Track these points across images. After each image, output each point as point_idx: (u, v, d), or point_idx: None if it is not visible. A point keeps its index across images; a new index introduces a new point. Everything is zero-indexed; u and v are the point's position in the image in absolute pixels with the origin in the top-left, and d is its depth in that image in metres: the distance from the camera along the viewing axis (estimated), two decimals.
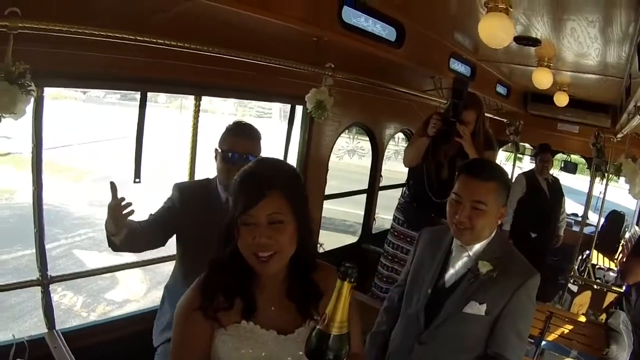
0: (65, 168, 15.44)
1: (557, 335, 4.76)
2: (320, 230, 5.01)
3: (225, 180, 2.91)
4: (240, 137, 2.92)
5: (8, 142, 15.80)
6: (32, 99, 2.39)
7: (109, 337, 3.11)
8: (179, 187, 3.04)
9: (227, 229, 1.67)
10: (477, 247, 2.41)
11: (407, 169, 4.40)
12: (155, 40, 2.80)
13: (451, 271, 2.46)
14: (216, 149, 2.96)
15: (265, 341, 1.65)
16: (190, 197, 3.00)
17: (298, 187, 1.72)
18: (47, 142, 3.09)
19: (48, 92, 2.99)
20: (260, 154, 2.93)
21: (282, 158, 4.25)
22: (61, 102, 20.74)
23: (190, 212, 2.95)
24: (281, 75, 3.83)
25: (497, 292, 2.33)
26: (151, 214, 2.99)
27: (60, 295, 6.58)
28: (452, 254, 2.48)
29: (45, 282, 3.26)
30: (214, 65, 3.42)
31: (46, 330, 3.26)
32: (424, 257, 2.59)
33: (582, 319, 4.99)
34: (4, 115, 2.26)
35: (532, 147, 9.74)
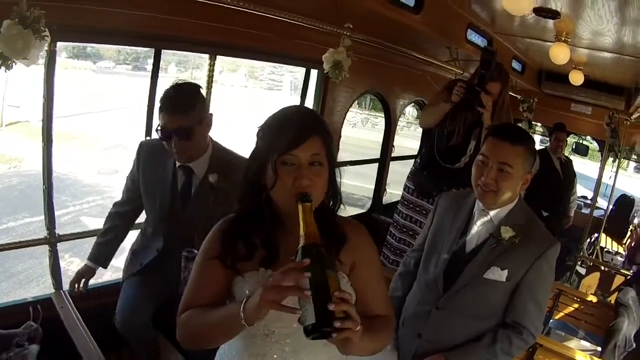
0: (75, 136, 15.47)
1: (565, 314, 4.75)
2: None
3: (170, 154, 2.87)
4: (170, 113, 2.75)
5: (16, 111, 15.86)
6: (45, 48, 2.39)
7: (115, 299, 3.09)
8: (140, 145, 3.07)
9: (256, 174, 1.65)
10: (500, 211, 2.39)
11: (417, 145, 4.36)
12: None
13: (472, 236, 2.44)
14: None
15: None
16: (146, 155, 3.01)
17: (331, 137, 1.69)
18: (57, 110, 3.10)
19: (57, 62, 2.99)
20: (202, 118, 2.84)
21: None
22: (71, 72, 20.73)
23: (143, 172, 3.00)
24: (297, 38, 3.81)
25: (518, 258, 2.32)
26: (128, 176, 3.12)
27: (68, 262, 6.59)
28: (473, 218, 2.45)
29: (52, 240, 3.28)
30: (230, 24, 3.40)
31: (53, 291, 3.27)
32: (444, 221, 2.56)
33: (591, 298, 4.99)
34: (15, 61, 2.25)
35: (543, 127, 9.69)
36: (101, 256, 3.12)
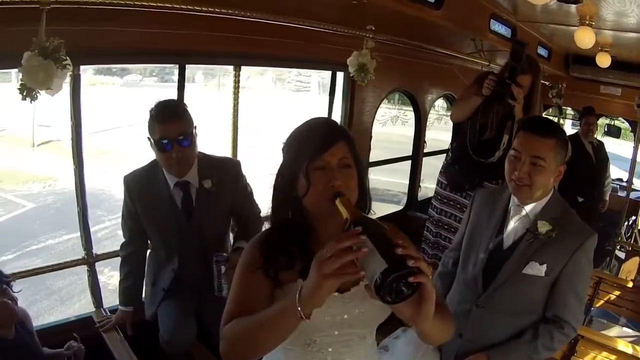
0: (106, 152, 15.60)
1: (605, 302, 4.69)
2: None
3: (168, 169, 2.93)
4: (168, 121, 2.79)
5: (47, 131, 16.09)
6: (68, 75, 2.41)
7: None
8: (126, 181, 3.06)
9: (287, 187, 1.68)
10: (535, 206, 2.38)
11: (449, 137, 4.33)
12: (192, 8, 2.79)
13: (509, 232, 2.44)
14: (149, 138, 2.87)
15: None
16: (136, 188, 3.03)
17: (355, 143, 1.72)
18: (86, 127, 3.17)
19: (84, 79, 3.07)
20: (194, 127, 2.90)
21: None
22: (98, 88, 20.95)
23: (141, 206, 3.03)
24: (321, 42, 3.83)
25: (556, 252, 2.31)
26: (124, 217, 3.14)
27: (108, 276, 6.68)
28: (509, 214, 2.45)
29: (90, 260, 3.37)
30: (252, 34, 3.42)
31: (94, 309, 3.35)
32: (480, 218, 2.56)
33: (631, 284, 4.91)
34: (39, 91, 2.28)
35: (573, 112, 9.56)
36: (131, 298, 3.16)
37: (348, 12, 3.55)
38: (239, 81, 3.81)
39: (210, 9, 2.86)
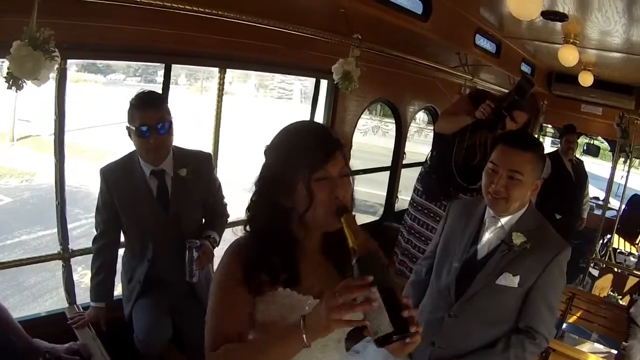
0: (85, 150, 15.52)
1: (578, 318, 4.72)
2: None
3: (146, 157, 2.97)
4: (149, 108, 2.87)
5: (27, 125, 15.93)
6: (56, 67, 2.40)
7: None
8: (103, 173, 3.06)
9: (276, 195, 1.64)
10: (511, 218, 2.40)
11: (428, 150, 4.36)
12: (181, 7, 2.77)
13: (484, 243, 2.46)
14: (128, 127, 2.92)
15: (302, 307, 1.62)
16: (114, 180, 3.03)
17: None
18: (68, 124, 3.16)
19: (68, 76, 3.04)
20: (171, 117, 2.96)
21: None
22: (82, 85, 20.77)
23: (117, 195, 3.02)
24: (307, 49, 3.83)
25: (530, 264, 2.33)
26: (98, 209, 3.12)
27: (81, 274, 6.60)
28: (484, 225, 2.47)
29: (66, 255, 3.32)
30: (239, 37, 3.41)
31: (67, 305, 3.31)
32: (455, 228, 2.57)
33: (603, 301, 4.95)
34: (25, 82, 2.28)
35: (553, 129, 9.66)
36: (103, 294, 3.13)
37: (335, 19, 3.55)
38: (223, 84, 3.81)
39: (199, 9, 2.84)
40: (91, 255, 3.18)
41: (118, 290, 3.30)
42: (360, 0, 3.28)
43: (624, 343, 4.02)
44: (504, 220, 2.40)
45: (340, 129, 4.66)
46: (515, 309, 2.39)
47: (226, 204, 3.32)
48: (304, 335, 1.41)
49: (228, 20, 3.02)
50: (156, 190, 3.03)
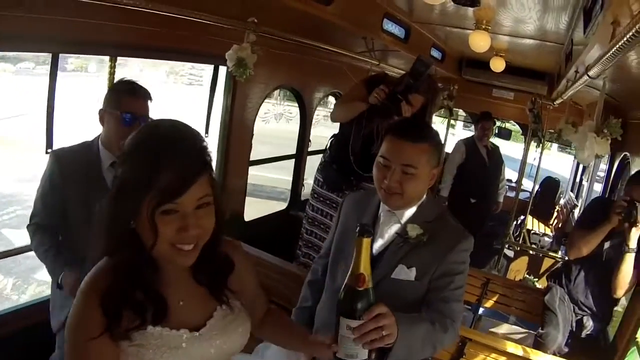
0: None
1: (494, 302, 4.74)
2: (250, 198, 4.90)
3: (116, 144, 2.65)
4: (137, 97, 2.71)
5: None
6: None
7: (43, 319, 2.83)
8: (56, 154, 2.74)
9: (125, 214, 1.36)
10: (407, 211, 2.24)
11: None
12: None
13: (379, 238, 2.28)
14: (105, 111, 2.70)
15: (178, 344, 1.42)
16: (69, 166, 2.71)
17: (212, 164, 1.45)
18: None
19: None
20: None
21: (204, 123, 4.11)
22: None
23: (70, 185, 2.69)
24: (203, 34, 3.63)
25: (428, 255, 2.17)
26: (42, 196, 2.75)
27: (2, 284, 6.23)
28: (379, 219, 2.31)
29: None
30: (130, 23, 3.17)
31: None
32: (349, 224, 2.39)
33: (519, 285, 5.00)
34: None
35: (465, 114, 9.83)
36: (66, 258, 2.71)
37: (231, 3, 3.37)
38: (114, 72, 3.51)
39: None
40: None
41: (22, 299, 3.00)
42: None
43: (539, 330, 4.02)
44: (400, 214, 2.24)
45: (240, 117, 4.47)
46: (417, 302, 2.22)
47: None
48: None
49: (117, 6, 2.78)
50: (111, 183, 2.70)
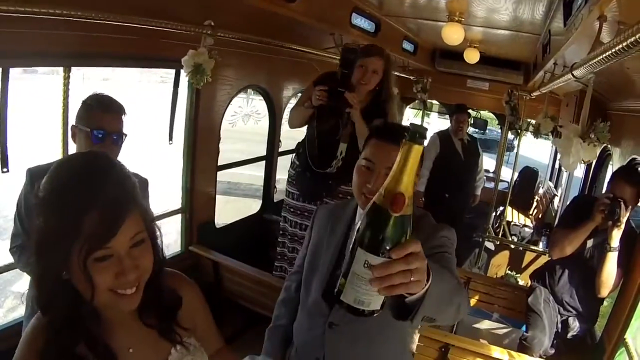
0: None
1: (477, 300, 4.72)
2: (226, 197, 4.75)
3: None
4: (110, 112, 2.58)
5: None
6: None
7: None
8: (31, 172, 2.61)
9: (54, 264, 1.20)
10: None
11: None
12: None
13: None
14: (77, 127, 2.57)
15: None
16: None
17: (147, 194, 1.31)
18: None
19: None
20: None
21: (167, 128, 3.99)
22: None
23: None
24: (163, 38, 3.43)
25: None
26: (20, 215, 2.62)
27: None
28: (354, 228, 2.19)
29: None
30: (84, 31, 2.99)
31: None
32: (322, 236, 2.29)
33: (502, 282, 5.01)
34: None
35: (440, 104, 9.79)
36: None
37: (187, 5, 3.20)
38: (68, 83, 3.32)
39: (32, 9, 2.45)
40: None
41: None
42: None
43: (524, 333, 3.98)
44: None
45: (206, 121, 4.31)
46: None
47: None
48: None
49: (65, 19, 2.64)
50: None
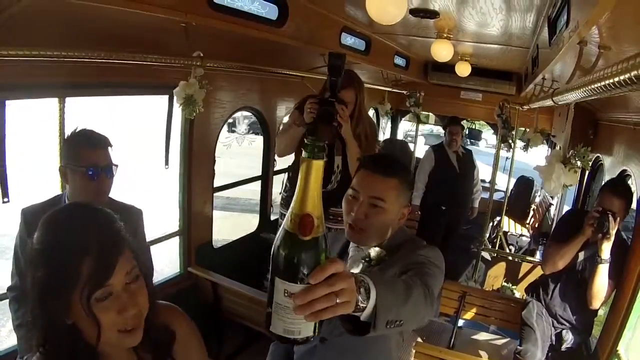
0: None
1: (474, 313, 4.71)
2: (224, 213, 4.74)
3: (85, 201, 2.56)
4: (96, 147, 2.60)
5: None
6: None
7: None
8: (24, 213, 2.67)
9: (56, 307, 1.26)
10: (377, 249, 2.12)
11: None
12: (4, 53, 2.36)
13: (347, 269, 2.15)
14: (66, 167, 2.61)
15: None
16: (36, 224, 2.54)
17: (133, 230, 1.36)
18: None
19: None
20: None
21: (163, 152, 3.98)
22: None
23: None
24: (155, 66, 3.41)
25: (392, 271, 2.04)
26: (17, 255, 2.67)
27: None
28: (348, 254, 2.25)
29: None
30: (77, 62, 2.94)
31: None
32: None
33: (498, 295, 4.99)
34: None
35: (436, 116, 9.81)
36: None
37: (178, 37, 3.18)
38: (64, 114, 3.31)
39: (24, 53, 2.43)
40: None
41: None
42: (200, 12, 2.87)
43: (518, 347, 4.00)
44: (367, 249, 2.14)
45: (201, 144, 4.33)
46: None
47: (151, 259, 3.05)
48: None
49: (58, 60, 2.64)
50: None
